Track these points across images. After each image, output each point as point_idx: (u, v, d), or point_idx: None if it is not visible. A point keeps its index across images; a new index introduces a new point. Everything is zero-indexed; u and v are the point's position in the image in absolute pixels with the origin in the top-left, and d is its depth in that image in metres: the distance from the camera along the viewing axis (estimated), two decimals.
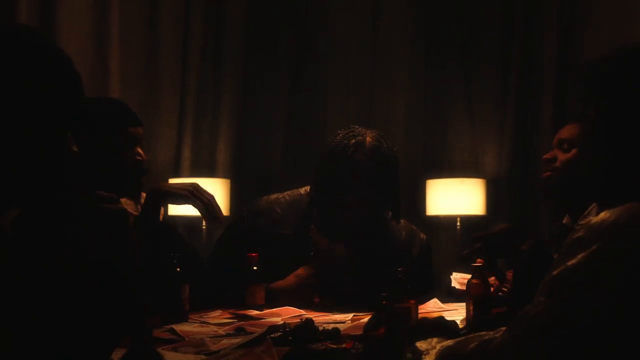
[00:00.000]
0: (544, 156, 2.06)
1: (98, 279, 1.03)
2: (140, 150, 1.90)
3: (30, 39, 1.00)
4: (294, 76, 3.84)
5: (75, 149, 1.04)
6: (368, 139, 2.02)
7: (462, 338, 1.10)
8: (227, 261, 2.08)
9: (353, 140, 2.01)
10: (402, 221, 2.17)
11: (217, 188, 3.38)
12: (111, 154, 1.85)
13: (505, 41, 3.68)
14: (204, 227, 3.39)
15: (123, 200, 1.92)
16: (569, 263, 0.95)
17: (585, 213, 1.72)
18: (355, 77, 3.83)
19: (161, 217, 2.04)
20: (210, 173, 3.58)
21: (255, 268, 1.97)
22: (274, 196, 2.17)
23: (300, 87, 3.84)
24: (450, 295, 2.08)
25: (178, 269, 1.76)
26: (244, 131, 3.74)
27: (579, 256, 0.94)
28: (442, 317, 1.38)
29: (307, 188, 2.16)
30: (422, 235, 2.21)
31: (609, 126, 1.08)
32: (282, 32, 3.82)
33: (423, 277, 2.08)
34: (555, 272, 0.97)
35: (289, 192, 2.19)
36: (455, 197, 3.39)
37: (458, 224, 3.46)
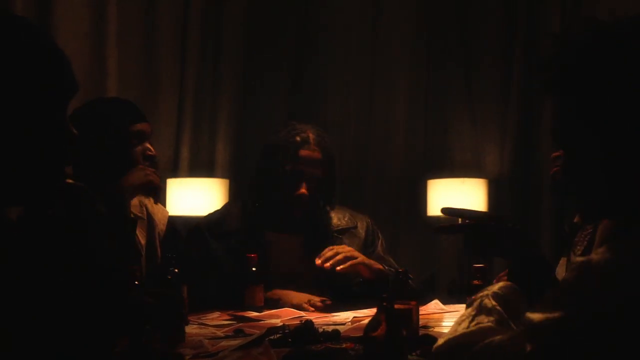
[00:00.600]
0: (553, 154, 2.05)
1: (97, 279, 1.03)
2: (149, 146, 1.95)
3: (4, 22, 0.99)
4: (294, 76, 3.84)
5: (74, 131, 1.03)
6: (311, 135, 2.19)
7: (473, 331, 0.99)
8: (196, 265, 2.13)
9: (298, 138, 2.17)
10: (347, 210, 2.34)
11: (216, 188, 3.38)
12: (119, 150, 1.88)
13: (506, 40, 3.68)
14: None
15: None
16: (553, 316, 0.83)
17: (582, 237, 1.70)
18: (355, 77, 3.83)
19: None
20: (209, 173, 3.58)
21: (254, 269, 1.98)
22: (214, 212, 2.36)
23: (300, 87, 3.84)
24: (451, 296, 2.08)
25: (176, 270, 1.75)
26: (243, 131, 3.74)
27: (564, 311, 0.82)
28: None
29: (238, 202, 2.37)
30: (367, 218, 2.35)
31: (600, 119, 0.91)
32: (282, 32, 3.82)
33: (376, 249, 2.26)
34: (538, 319, 0.85)
35: (223, 206, 2.41)
36: (456, 197, 3.38)
37: None
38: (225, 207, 2.37)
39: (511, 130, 3.63)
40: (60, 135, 1.01)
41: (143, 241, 2.02)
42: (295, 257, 2.18)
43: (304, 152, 2.16)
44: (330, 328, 1.53)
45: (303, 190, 2.14)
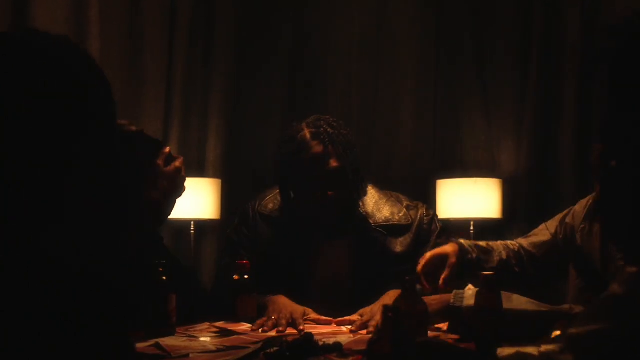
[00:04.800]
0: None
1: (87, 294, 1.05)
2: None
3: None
4: (292, 65, 3.83)
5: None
6: (306, 133, 2.16)
7: None
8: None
9: (294, 144, 2.16)
10: (405, 200, 2.34)
11: (207, 189, 3.38)
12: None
13: (523, 25, 3.68)
14: (192, 231, 3.39)
15: None
16: (598, 327, 0.90)
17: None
18: (358, 66, 3.82)
19: None
20: (200, 172, 3.58)
21: (246, 277, 1.98)
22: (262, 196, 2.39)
23: (298, 77, 3.84)
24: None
25: (164, 277, 1.76)
26: (236, 126, 3.74)
27: (612, 322, 0.89)
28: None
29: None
30: (424, 210, 2.32)
31: None
32: (279, 17, 3.82)
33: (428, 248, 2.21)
34: (581, 330, 0.92)
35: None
36: (468, 199, 3.39)
37: (472, 228, 3.46)
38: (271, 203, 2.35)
39: (528, 125, 3.63)
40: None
41: None
42: (340, 261, 2.23)
43: (304, 156, 2.14)
44: (331, 341, 1.53)
45: (323, 193, 2.13)
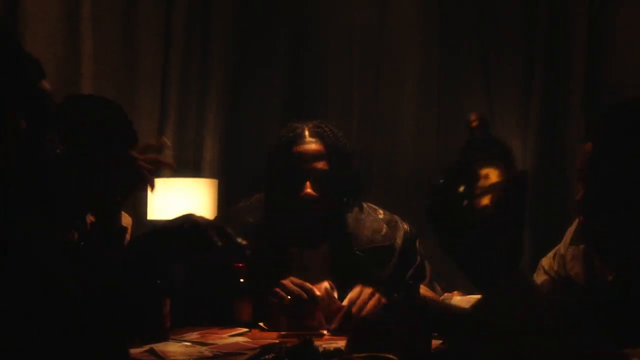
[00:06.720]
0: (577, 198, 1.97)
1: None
2: None
3: None
4: (291, 65, 3.83)
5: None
6: (306, 128, 2.18)
7: None
8: None
9: (291, 134, 2.17)
10: (382, 212, 2.29)
11: (203, 190, 3.38)
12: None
13: (529, 20, 3.67)
14: None
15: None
16: None
17: None
18: (359, 64, 3.82)
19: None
20: (196, 173, 3.58)
21: (242, 280, 1.98)
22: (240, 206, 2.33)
23: (298, 77, 3.83)
24: None
25: (158, 281, 1.75)
26: (234, 125, 3.74)
27: None
28: None
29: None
30: (405, 226, 2.28)
31: None
32: (278, 13, 3.81)
33: (413, 268, 2.21)
34: None
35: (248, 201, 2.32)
36: None
37: None
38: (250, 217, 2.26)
39: (535, 122, 3.62)
40: None
41: None
42: (319, 275, 2.10)
43: (297, 148, 2.14)
44: (332, 346, 1.53)
45: (307, 190, 2.09)
